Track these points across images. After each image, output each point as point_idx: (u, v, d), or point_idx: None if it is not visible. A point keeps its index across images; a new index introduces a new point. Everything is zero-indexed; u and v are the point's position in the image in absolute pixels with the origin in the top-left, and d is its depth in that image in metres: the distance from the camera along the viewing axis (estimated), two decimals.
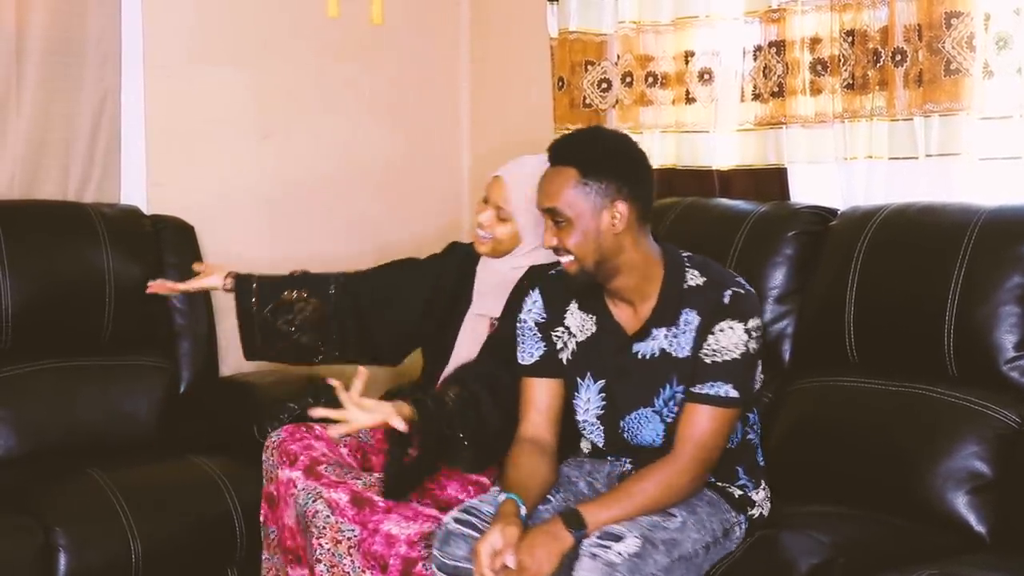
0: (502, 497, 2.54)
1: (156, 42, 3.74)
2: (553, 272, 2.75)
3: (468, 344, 3.01)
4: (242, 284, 3.13)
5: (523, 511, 2.50)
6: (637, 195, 2.56)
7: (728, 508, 2.61)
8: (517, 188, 2.96)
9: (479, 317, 3.03)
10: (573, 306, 2.72)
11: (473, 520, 2.52)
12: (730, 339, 2.53)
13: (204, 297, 3.68)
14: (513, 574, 2.40)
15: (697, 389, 2.54)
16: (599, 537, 2.38)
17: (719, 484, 2.64)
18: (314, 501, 2.76)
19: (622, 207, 2.54)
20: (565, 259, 2.61)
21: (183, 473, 3.22)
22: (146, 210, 3.70)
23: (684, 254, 2.65)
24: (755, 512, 2.66)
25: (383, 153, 4.18)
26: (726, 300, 2.55)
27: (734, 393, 2.53)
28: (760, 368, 2.71)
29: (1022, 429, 2.68)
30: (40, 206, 3.53)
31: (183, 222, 3.71)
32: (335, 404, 2.77)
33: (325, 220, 4.09)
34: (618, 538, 2.36)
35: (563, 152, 2.59)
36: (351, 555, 2.72)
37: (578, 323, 2.72)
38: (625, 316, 2.66)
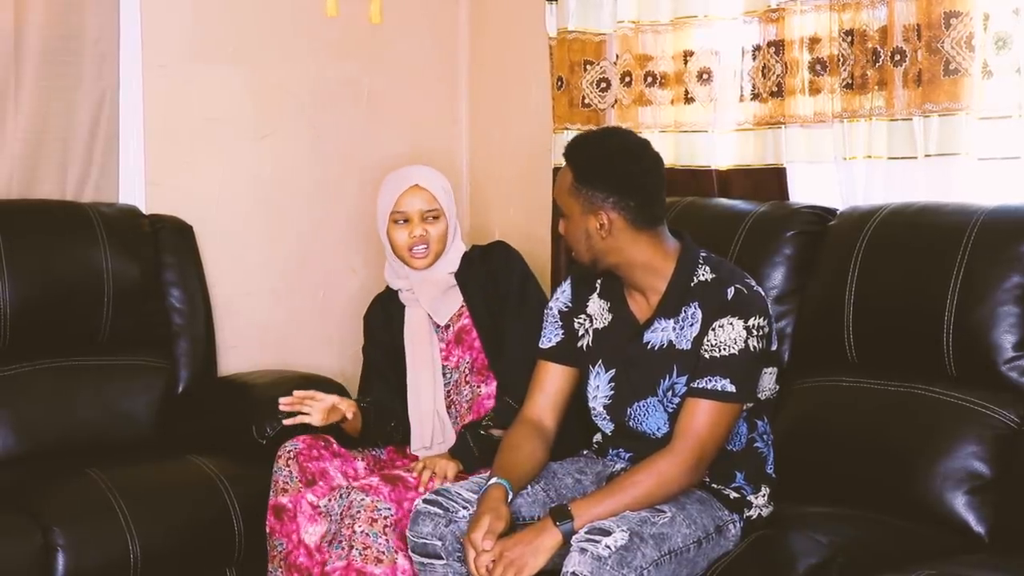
0: (492, 481, 2.58)
1: (154, 41, 3.73)
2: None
3: (419, 344, 3.15)
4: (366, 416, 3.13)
5: (511, 497, 2.57)
6: (627, 204, 2.60)
7: (720, 506, 2.62)
8: (434, 184, 3.14)
9: (427, 323, 3.15)
10: (596, 293, 2.78)
11: (440, 500, 2.60)
12: (728, 335, 2.56)
13: (203, 297, 3.69)
14: (499, 567, 2.43)
15: (695, 384, 2.58)
16: (587, 532, 2.40)
17: (713, 485, 2.65)
18: (347, 497, 2.81)
19: (609, 216, 2.61)
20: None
21: (181, 473, 3.22)
22: (144, 209, 3.69)
23: (702, 252, 2.70)
24: (753, 513, 2.66)
25: (381, 152, 4.16)
26: (728, 296, 2.59)
27: (731, 388, 2.55)
28: (774, 376, 2.72)
29: (1021, 429, 2.68)
30: (38, 205, 3.52)
31: (181, 221, 3.71)
32: None
33: (323, 220, 4.08)
34: (606, 532, 2.38)
35: (568, 153, 2.69)
36: (386, 534, 2.75)
37: (597, 310, 2.78)
38: (639, 305, 2.71)
